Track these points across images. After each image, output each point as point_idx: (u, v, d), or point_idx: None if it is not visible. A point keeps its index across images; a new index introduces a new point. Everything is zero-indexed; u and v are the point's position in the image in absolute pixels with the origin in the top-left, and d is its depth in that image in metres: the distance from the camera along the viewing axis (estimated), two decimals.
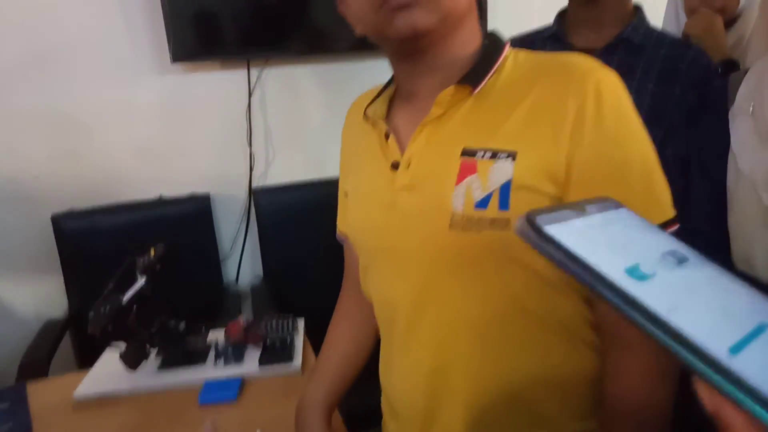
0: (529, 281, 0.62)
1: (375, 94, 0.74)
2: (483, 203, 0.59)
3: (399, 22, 0.59)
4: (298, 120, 1.97)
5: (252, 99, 1.90)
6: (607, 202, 0.31)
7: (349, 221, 0.79)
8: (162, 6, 1.68)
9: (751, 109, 0.83)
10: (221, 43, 1.82)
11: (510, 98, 0.62)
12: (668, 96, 0.98)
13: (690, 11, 1.25)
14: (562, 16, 1.12)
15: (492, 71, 0.64)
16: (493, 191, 0.59)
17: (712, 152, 0.88)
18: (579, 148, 0.58)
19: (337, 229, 0.86)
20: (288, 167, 1.99)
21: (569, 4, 1.08)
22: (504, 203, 0.59)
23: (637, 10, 1.07)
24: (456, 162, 0.62)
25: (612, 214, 0.30)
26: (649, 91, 0.99)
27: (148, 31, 1.76)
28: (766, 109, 0.81)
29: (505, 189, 0.59)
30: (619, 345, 0.62)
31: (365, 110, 0.72)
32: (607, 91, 0.58)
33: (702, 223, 0.90)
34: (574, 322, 0.65)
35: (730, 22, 1.21)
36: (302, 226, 1.86)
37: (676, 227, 0.60)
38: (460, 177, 0.61)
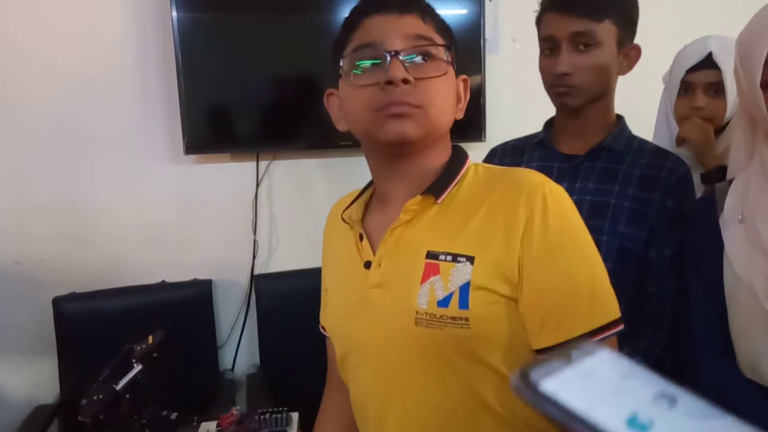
0: (488, 377, 0.65)
1: (353, 197, 0.81)
2: (445, 302, 0.65)
3: (390, 128, 0.66)
4: (302, 209, 2.04)
5: (259, 189, 1.98)
6: (588, 345, 0.32)
7: (327, 315, 0.84)
8: (180, 101, 1.80)
9: (740, 217, 0.88)
10: (233, 137, 1.93)
11: (469, 207, 0.69)
12: (648, 201, 1.03)
13: (681, 119, 1.32)
14: (549, 124, 1.20)
15: (454, 183, 0.71)
16: (454, 291, 0.64)
17: (707, 257, 0.91)
18: (528, 253, 0.64)
19: (320, 323, 0.89)
20: (291, 255, 2.02)
21: (556, 113, 1.16)
22: (464, 303, 0.64)
23: (619, 119, 1.14)
24: (421, 263, 0.67)
25: (597, 358, 0.31)
26: (630, 195, 1.04)
27: (165, 124, 1.87)
28: (755, 218, 0.85)
29: (465, 289, 0.64)
30: None
31: (342, 213, 0.78)
32: (553, 203, 0.65)
33: (703, 327, 0.91)
34: (534, 420, 0.66)
35: (718, 130, 1.28)
36: (302, 313, 1.82)
37: (620, 327, 0.65)
38: (425, 277, 0.66)
